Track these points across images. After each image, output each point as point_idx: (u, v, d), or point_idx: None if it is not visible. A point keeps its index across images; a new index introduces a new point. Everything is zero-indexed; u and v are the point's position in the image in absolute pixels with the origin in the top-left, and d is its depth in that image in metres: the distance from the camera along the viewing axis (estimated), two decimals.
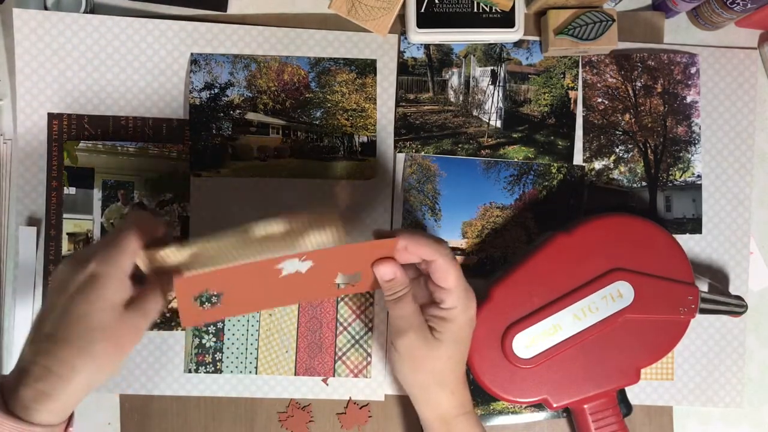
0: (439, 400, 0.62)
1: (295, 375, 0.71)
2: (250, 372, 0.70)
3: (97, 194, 0.70)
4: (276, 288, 0.59)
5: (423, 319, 0.60)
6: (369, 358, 0.71)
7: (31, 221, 0.70)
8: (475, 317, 0.62)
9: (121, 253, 0.52)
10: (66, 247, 0.70)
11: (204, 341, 0.70)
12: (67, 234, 0.70)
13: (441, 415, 0.62)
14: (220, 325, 0.70)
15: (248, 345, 0.70)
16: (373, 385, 0.71)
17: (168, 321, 0.70)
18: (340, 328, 0.71)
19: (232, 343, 0.70)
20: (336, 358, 0.71)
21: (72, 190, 0.70)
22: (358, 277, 0.61)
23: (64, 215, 0.70)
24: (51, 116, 0.70)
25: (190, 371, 0.70)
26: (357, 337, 0.71)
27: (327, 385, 0.71)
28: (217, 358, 0.70)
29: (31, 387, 0.48)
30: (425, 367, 0.61)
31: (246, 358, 0.70)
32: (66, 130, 0.70)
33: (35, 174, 0.70)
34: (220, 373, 0.70)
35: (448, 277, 0.59)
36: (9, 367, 0.70)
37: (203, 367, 0.70)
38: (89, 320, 0.50)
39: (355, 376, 0.71)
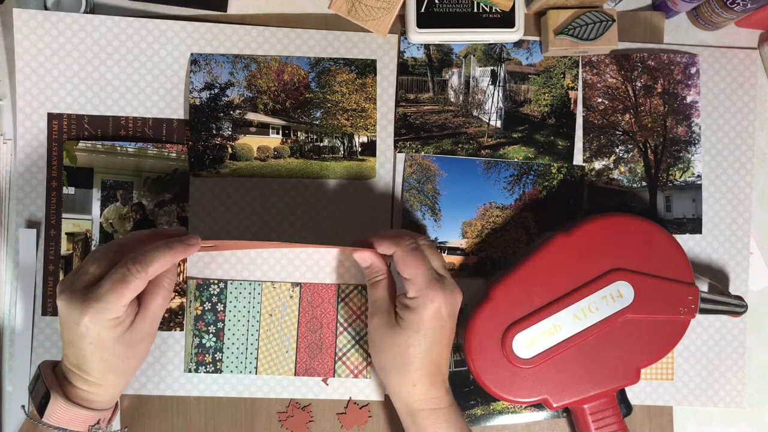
0: (400, 390, 0.63)
1: (295, 375, 0.71)
2: (250, 372, 0.70)
3: (96, 194, 0.70)
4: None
5: (392, 305, 0.63)
6: (369, 359, 0.71)
7: (31, 221, 0.70)
8: (445, 313, 0.61)
9: (113, 311, 0.55)
10: (65, 246, 0.70)
11: (204, 341, 0.70)
12: (66, 234, 0.70)
13: (406, 406, 0.63)
14: (220, 325, 0.70)
15: (248, 345, 0.70)
16: (373, 385, 0.71)
17: (167, 321, 0.70)
18: (341, 329, 0.71)
19: (232, 343, 0.70)
20: (336, 358, 0.71)
21: (71, 190, 0.70)
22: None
23: (63, 215, 0.70)
24: (51, 116, 0.70)
25: (190, 371, 0.70)
26: (357, 338, 0.71)
27: (327, 385, 0.71)
28: (217, 358, 0.70)
29: (80, 388, 0.58)
30: (387, 351, 0.63)
31: (246, 358, 0.70)
32: (66, 130, 0.70)
33: (35, 174, 0.70)
34: (220, 373, 0.70)
35: (405, 268, 0.61)
36: (10, 366, 0.70)
37: (203, 367, 0.70)
38: (100, 356, 0.56)
39: (355, 376, 0.71)
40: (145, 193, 0.70)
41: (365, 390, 0.71)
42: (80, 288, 0.55)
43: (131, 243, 0.59)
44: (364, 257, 0.66)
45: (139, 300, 0.58)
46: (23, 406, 0.59)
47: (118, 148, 0.70)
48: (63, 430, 0.56)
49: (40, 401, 0.57)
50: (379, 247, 0.63)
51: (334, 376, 0.71)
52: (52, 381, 0.57)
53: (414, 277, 0.61)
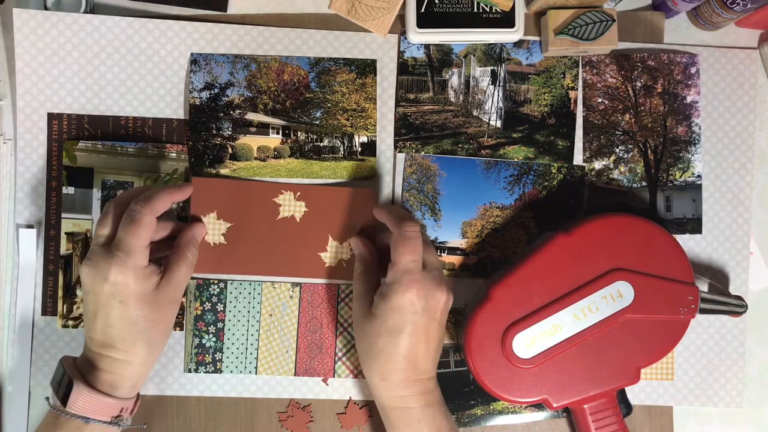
0: (371, 382, 0.63)
1: (295, 375, 0.71)
2: (250, 372, 0.70)
3: (96, 194, 0.70)
4: (273, 239, 0.69)
5: (371, 295, 0.63)
6: None
7: (31, 221, 0.70)
8: (419, 306, 0.59)
9: (135, 255, 0.58)
10: (65, 246, 0.70)
11: (204, 341, 0.70)
12: (66, 234, 0.70)
13: (378, 400, 0.64)
14: (220, 325, 0.70)
15: (248, 345, 0.70)
16: None
17: None
18: (340, 329, 0.71)
19: (232, 343, 0.70)
20: (336, 358, 0.71)
21: (71, 190, 0.70)
22: (347, 252, 0.70)
23: (63, 215, 0.70)
24: (51, 116, 0.70)
25: (189, 371, 0.70)
26: None
27: (327, 385, 0.71)
28: (217, 358, 0.70)
29: (106, 371, 0.59)
30: (360, 341, 0.63)
31: (246, 358, 0.70)
32: (66, 130, 0.70)
33: (35, 174, 0.70)
34: (220, 373, 0.70)
35: (395, 250, 0.61)
36: (10, 367, 0.70)
37: (203, 367, 0.70)
38: (129, 319, 0.58)
39: (355, 377, 0.71)
40: None
41: (365, 390, 0.71)
42: (99, 250, 0.58)
43: (127, 197, 0.61)
44: (356, 244, 0.68)
45: (165, 268, 0.61)
46: (47, 398, 0.60)
47: (119, 148, 0.70)
48: (86, 418, 0.57)
49: (63, 391, 0.57)
50: (379, 217, 0.66)
51: (334, 376, 0.71)
52: (73, 370, 0.58)
53: (398, 262, 0.60)
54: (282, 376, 0.71)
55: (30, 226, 0.70)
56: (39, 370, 0.70)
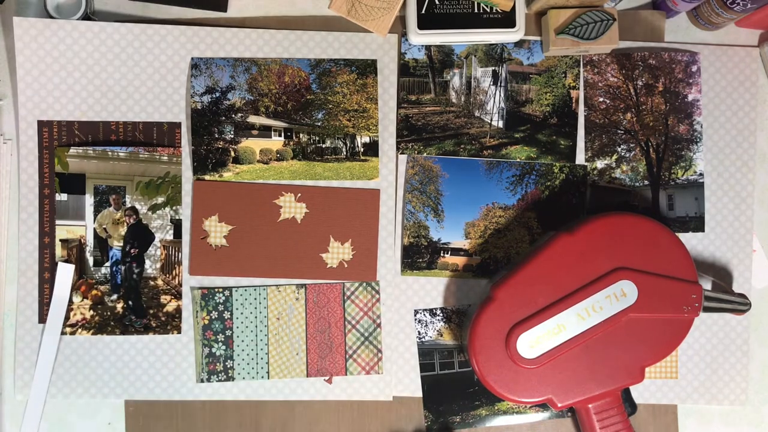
0: None
1: (307, 377, 0.71)
2: (263, 377, 0.70)
3: (88, 200, 0.70)
4: (274, 240, 0.70)
5: None
6: (380, 354, 0.71)
7: (35, 229, 0.70)
8: None
9: None
10: (59, 253, 0.70)
11: (214, 350, 0.70)
12: (60, 240, 0.70)
13: None
14: (228, 333, 0.70)
15: (258, 350, 0.70)
16: (381, 385, 0.71)
17: (164, 325, 0.70)
18: (349, 327, 0.71)
19: (242, 350, 0.70)
20: (347, 356, 0.71)
21: (64, 197, 0.70)
22: (348, 253, 0.70)
23: (57, 222, 0.70)
24: (41, 124, 0.70)
25: (202, 381, 0.70)
26: (366, 334, 0.71)
27: (331, 384, 0.71)
28: (229, 366, 0.70)
29: None
30: None
31: (257, 363, 0.70)
32: (56, 137, 0.70)
33: (38, 182, 0.70)
34: (233, 380, 0.70)
35: None
36: (15, 370, 0.70)
37: (215, 376, 0.70)
38: None
39: (367, 373, 0.71)
40: (138, 196, 0.70)
41: (373, 390, 0.71)
42: None
43: None
44: None
45: None
46: None
47: (109, 153, 0.70)
48: None
49: None
50: None
51: (346, 374, 0.71)
52: None
53: None
54: (289, 379, 0.71)
55: (68, 261, 0.70)
56: (25, 371, 0.70)
